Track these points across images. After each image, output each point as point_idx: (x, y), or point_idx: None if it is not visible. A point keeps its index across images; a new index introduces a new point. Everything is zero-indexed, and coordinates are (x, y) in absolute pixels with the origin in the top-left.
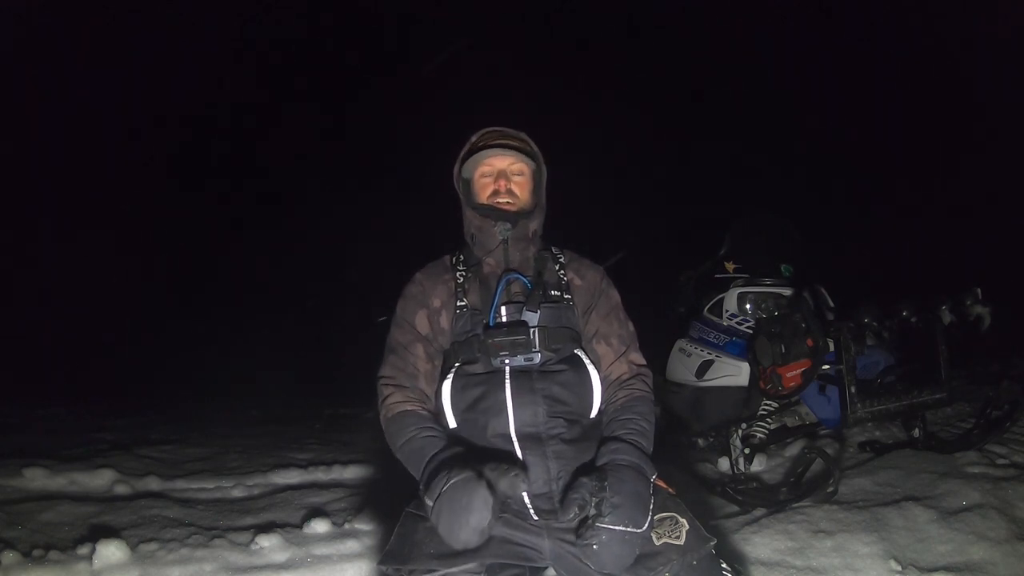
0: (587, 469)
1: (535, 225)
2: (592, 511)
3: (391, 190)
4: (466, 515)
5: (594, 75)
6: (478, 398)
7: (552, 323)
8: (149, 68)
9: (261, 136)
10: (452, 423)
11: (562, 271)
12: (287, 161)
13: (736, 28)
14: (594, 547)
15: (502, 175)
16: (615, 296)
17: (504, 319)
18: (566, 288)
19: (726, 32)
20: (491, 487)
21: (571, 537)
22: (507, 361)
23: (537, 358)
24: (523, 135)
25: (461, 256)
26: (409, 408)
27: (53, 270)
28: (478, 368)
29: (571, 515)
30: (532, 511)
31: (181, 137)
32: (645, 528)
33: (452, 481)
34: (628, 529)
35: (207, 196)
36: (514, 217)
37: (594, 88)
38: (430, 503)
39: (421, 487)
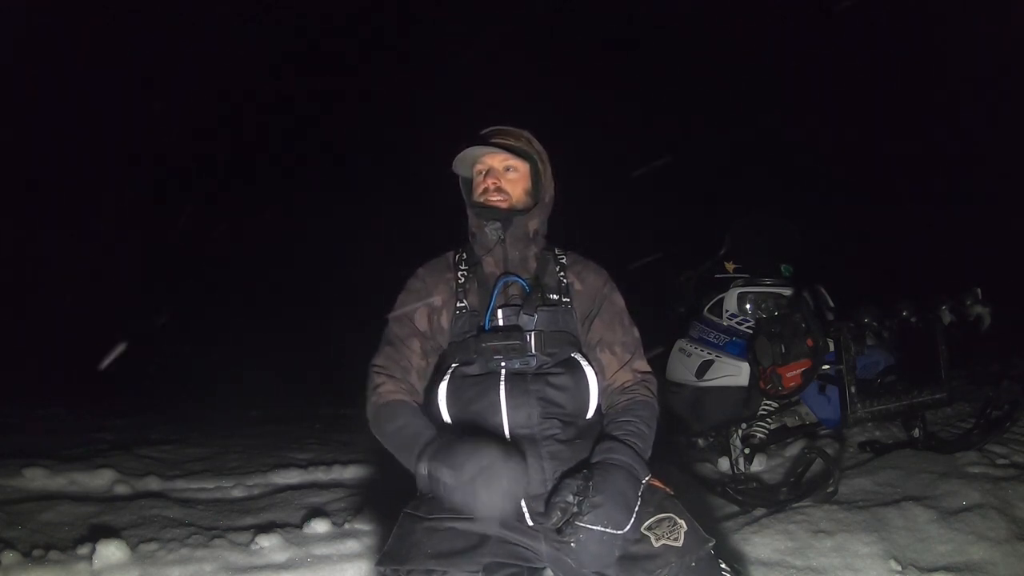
0: (579, 469)
1: (535, 224)
2: (574, 509)
3: (392, 190)
4: (500, 480)
5: (595, 74)
6: (472, 399)
7: (549, 327)
8: (147, 67)
9: (261, 136)
10: (448, 423)
11: (562, 273)
12: (287, 160)
13: (736, 28)
14: (572, 545)
15: (492, 172)
16: (619, 301)
17: (500, 322)
18: (565, 291)
19: (726, 32)
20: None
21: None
22: (503, 364)
23: (533, 362)
24: (526, 133)
25: (464, 254)
26: (402, 398)
27: (53, 270)
28: (474, 369)
29: (554, 519)
30: (528, 514)
31: (180, 137)
32: (627, 530)
33: (482, 448)
34: (607, 530)
35: (206, 195)
36: (506, 215)
37: (595, 87)
38: (449, 472)
39: (417, 466)
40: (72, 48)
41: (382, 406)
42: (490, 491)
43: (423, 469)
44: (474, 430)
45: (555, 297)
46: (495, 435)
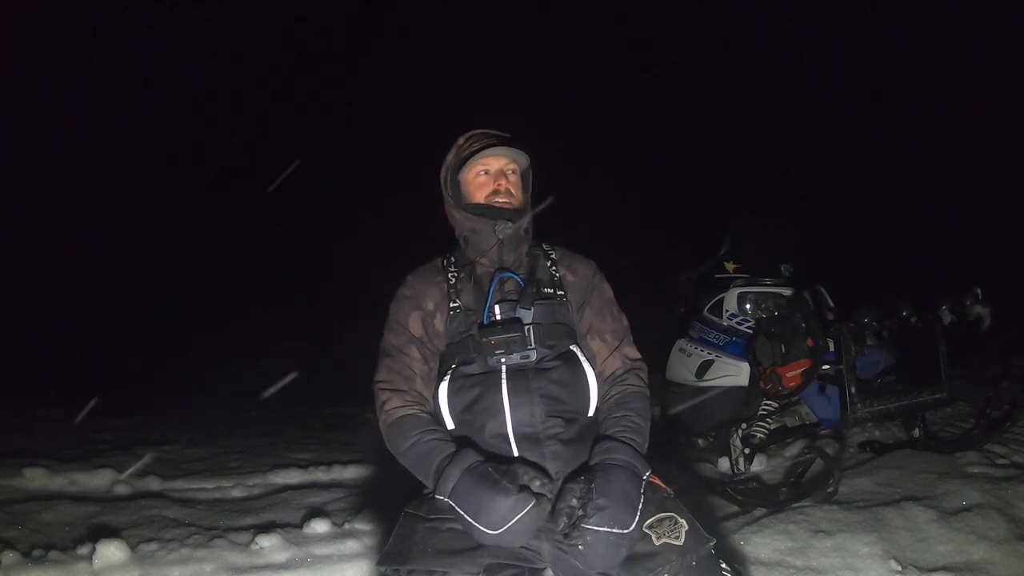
0: (582, 471)
1: (526, 222)
2: (579, 513)
3: (388, 189)
4: (520, 518)
5: (591, 70)
6: (475, 399)
7: (546, 319)
8: (147, 65)
9: (260, 134)
10: (450, 424)
11: (554, 267)
12: (286, 159)
13: (736, 23)
14: (579, 548)
15: (500, 175)
16: (608, 290)
17: (498, 317)
18: (559, 284)
19: (726, 27)
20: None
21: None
22: (503, 360)
23: (533, 355)
24: (507, 136)
25: (452, 258)
26: (409, 412)
27: (52, 269)
28: (474, 368)
29: (560, 525)
30: None
31: (180, 135)
32: (632, 529)
33: (505, 487)
34: (613, 531)
35: (206, 194)
36: (512, 215)
37: (592, 84)
38: (471, 519)
39: (437, 490)
40: (72, 41)
41: (391, 424)
42: (510, 538)
43: (444, 499)
44: (486, 448)
45: (549, 291)
46: (510, 465)
